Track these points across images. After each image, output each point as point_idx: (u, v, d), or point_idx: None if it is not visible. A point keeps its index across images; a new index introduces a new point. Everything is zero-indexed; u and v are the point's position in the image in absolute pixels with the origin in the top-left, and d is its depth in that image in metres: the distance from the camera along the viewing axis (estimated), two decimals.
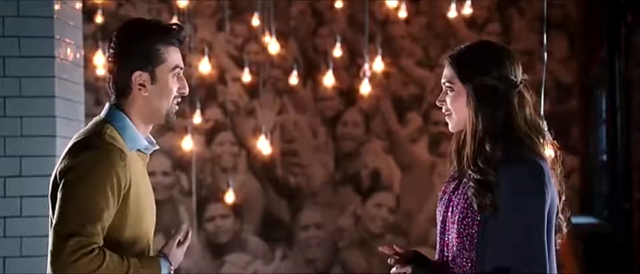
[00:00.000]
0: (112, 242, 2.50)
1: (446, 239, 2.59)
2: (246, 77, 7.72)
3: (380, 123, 8.26)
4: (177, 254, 2.63)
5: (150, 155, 2.70)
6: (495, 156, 2.45)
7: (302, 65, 8.14)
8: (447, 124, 2.63)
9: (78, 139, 2.57)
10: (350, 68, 8.12)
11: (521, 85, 2.54)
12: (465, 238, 2.50)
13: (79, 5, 4.67)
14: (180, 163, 8.07)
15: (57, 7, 4.34)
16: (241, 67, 7.93)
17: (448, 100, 2.57)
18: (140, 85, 2.57)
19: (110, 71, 2.61)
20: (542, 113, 3.28)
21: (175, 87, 2.62)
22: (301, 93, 8.23)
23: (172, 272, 2.62)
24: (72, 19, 4.53)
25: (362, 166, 8.27)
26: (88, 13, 7.48)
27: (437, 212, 2.65)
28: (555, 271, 2.48)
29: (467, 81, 2.52)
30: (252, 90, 8.20)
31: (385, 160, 8.27)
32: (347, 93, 8.18)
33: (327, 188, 8.25)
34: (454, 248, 2.54)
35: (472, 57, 2.56)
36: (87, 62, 7.24)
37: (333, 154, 8.27)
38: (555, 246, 2.52)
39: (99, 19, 7.45)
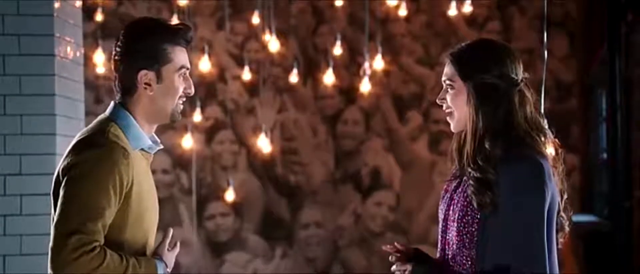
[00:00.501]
0: (113, 241, 2.50)
1: (447, 237, 2.59)
2: (246, 75, 7.71)
3: (381, 121, 8.26)
4: (170, 257, 2.63)
5: (154, 154, 2.70)
6: (494, 154, 2.44)
7: (302, 63, 8.13)
8: (447, 122, 2.63)
9: (82, 137, 2.57)
10: (351, 66, 8.11)
11: (522, 84, 2.53)
12: (465, 236, 2.50)
13: (78, 3, 4.66)
14: (181, 162, 8.07)
15: (57, 5, 4.33)
16: (241, 65, 7.93)
17: (448, 98, 2.57)
18: (146, 84, 2.57)
19: (115, 70, 2.61)
20: (542, 111, 3.28)
21: (181, 86, 2.62)
22: (301, 91, 8.22)
23: (168, 273, 2.62)
24: (72, 17, 4.53)
25: (362, 165, 8.26)
26: (88, 11, 7.48)
27: (439, 210, 2.65)
28: (557, 270, 2.48)
29: (468, 79, 2.51)
30: (252, 89, 8.20)
31: (386, 158, 8.26)
32: (347, 92, 8.17)
33: (327, 186, 8.24)
34: (454, 246, 2.54)
35: (473, 55, 2.55)
36: (87, 60, 7.24)
37: (333, 152, 8.27)
38: (557, 245, 2.51)
39: (99, 17, 7.45)
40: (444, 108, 2.60)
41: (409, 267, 2.58)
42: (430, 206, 8.03)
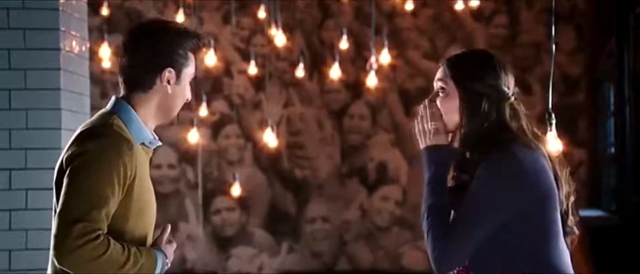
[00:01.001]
0: (114, 232, 2.51)
1: None
2: (252, 69, 7.71)
3: (387, 115, 8.24)
4: (169, 250, 2.65)
5: (154, 149, 2.71)
6: (472, 161, 2.47)
7: (308, 57, 8.12)
8: None
9: (85, 128, 2.58)
10: (357, 60, 8.10)
11: (513, 98, 2.54)
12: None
13: None
14: (186, 156, 8.06)
15: None
16: (247, 59, 7.92)
17: (438, 101, 2.58)
18: (168, 82, 2.62)
19: (135, 64, 2.62)
20: (550, 106, 3.25)
21: (187, 91, 2.69)
22: (307, 86, 8.21)
23: (168, 265, 2.62)
24: (78, 11, 4.51)
25: (368, 159, 8.25)
26: (94, 5, 7.47)
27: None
28: (571, 270, 2.46)
29: (460, 85, 2.53)
30: (258, 83, 8.19)
31: (392, 152, 8.25)
32: (354, 86, 8.16)
33: (334, 181, 8.23)
34: None
35: (468, 63, 2.58)
36: (93, 54, 7.24)
37: (339, 147, 8.26)
38: (568, 248, 2.50)
39: (105, 11, 7.44)
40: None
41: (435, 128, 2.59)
42: None
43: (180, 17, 7.32)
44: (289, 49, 8.01)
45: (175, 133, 7.68)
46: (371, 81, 7.07)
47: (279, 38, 6.99)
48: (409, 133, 8.23)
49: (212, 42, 7.15)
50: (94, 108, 8.11)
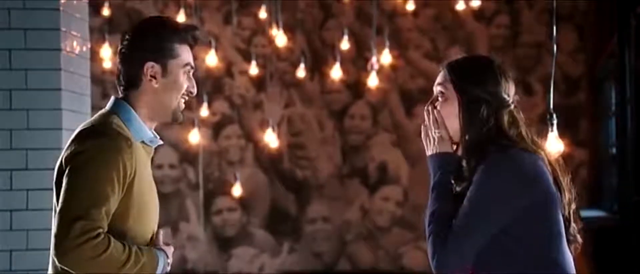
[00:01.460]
0: (115, 232, 2.50)
1: None
2: (253, 70, 7.70)
3: (388, 116, 8.22)
4: (168, 251, 2.64)
5: (155, 149, 2.70)
6: (470, 168, 2.45)
7: (309, 58, 8.10)
8: None
9: (84, 127, 2.58)
10: (358, 61, 8.08)
11: (512, 105, 2.53)
12: None
13: None
14: (187, 156, 8.05)
15: None
16: (248, 60, 7.91)
17: (438, 105, 2.57)
18: (151, 76, 2.59)
19: (121, 63, 2.62)
20: (551, 106, 3.24)
21: (185, 84, 2.64)
22: (308, 86, 8.20)
23: (169, 265, 2.61)
24: (79, 11, 4.50)
25: (369, 160, 8.24)
26: (95, 6, 7.46)
27: None
28: (573, 271, 2.45)
29: (459, 90, 2.52)
30: (259, 83, 8.18)
31: (393, 153, 8.23)
32: (355, 86, 8.15)
33: (334, 181, 8.22)
34: None
35: (469, 68, 2.56)
36: (94, 54, 7.22)
37: (340, 147, 8.24)
38: (571, 252, 2.49)
39: (106, 12, 7.43)
40: None
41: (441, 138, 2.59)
42: None
43: (181, 17, 7.31)
44: (290, 49, 8.00)
45: (177, 133, 7.67)
46: (372, 81, 7.06)
47: (280, 38, 6.98)
48: (409, 134, 8.26)
49: (213, 42, 7.14)
50: (95, 108, 8.07)
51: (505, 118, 2.51)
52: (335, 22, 8.15)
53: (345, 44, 7.39)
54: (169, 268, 2.63)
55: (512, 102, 2.53)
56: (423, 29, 8.20)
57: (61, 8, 4.27)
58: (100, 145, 2.48)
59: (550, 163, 2.49)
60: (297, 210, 8.21)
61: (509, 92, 2.54)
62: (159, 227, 2.69)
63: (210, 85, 8.00)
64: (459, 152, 2.54)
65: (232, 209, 8.15)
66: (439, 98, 2.58)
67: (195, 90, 2.67)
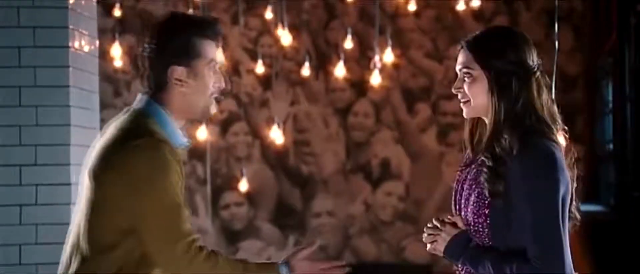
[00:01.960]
0: None
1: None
2: (260, 68, 7.66)
3: (390, 113, 8.14)
4: (302, 265, 2.52)
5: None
6: (512, 144, 2.31)
7: (314, 57, 8.02)
8: (455, 115, 2.51)
9: (126, 133, 2.41)
10: (361, 60, 8.00)
11: (538, 71, 2.39)
12: (478, 223, 2.39)
13: None
14: (196, 153, 7.96)
15: None
16: (255, 59, 7.84)
17: (466, 87, 2.41)
18: (177, 79, 2.44)
19: (146, 65, 2.47)
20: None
21: (212, 81, 2.48)
22: (313, 84, 8.12)
23: None
24: (87, 10, 4.42)
25: (372, 156, 8.16)
26: (106, 7, 7.38)
27: (452, 199, 2.52)
28: (570, 261, 2.35)
29: (487, 66, 2.37)
30: (265, 82, 8.10)
31: (395, 149, 8.15)
32: (358, 85, 8.07)
33: (339, 176, 8.15)
34: (471, 229, 2.43)
35: (490, 42, 2.41)
36: (106, 54, 7.14)
37: (344, 144, 8.17)
38: (569, 230, 2.41)
39: (117, 12, 7.34)
40: (460, 97, 2.45)
41: (445, 231, 2.44)
42: (438, 196, 7.93)
43: None
44: (295, 49, 7.91)
45: (185, 130, 7.58)
46: (375, 80, 6.97)
47: (286, 38, 6.91)
48: (411, 130, 8.17)
49: (221, 42, 7.04)
50: (106, 106, 8.02)
51: (534, 87, 2.36)
52: (339, 23, 8.07)
53: (348, 44, 7.32)
54: None
55: (537, 68, 2.39)
56: (424, 29, 8.11)
57: (69, 6, 4.20)
58: (150, 154, 2.34)
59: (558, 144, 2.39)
60: (303, 204, 8.14)
61: (533, 57, 2.40)
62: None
63: None
64: (486, 131, 2.39)
65: (239, 203, 8.08)
66: (466, 79, 2.41)
67: (222, 84, 2.51)
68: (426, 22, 8.10)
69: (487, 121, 2.40)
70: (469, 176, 2.45)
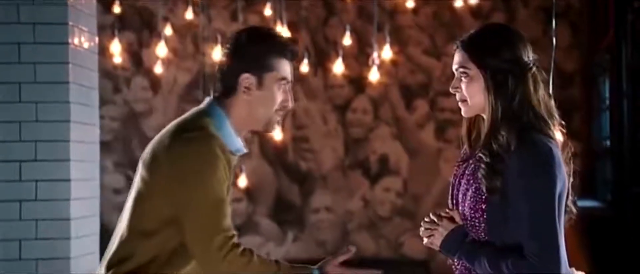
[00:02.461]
0: None
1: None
2: None
3: (389, 110, 8.13)
4: (336, 272, 2.50)
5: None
6: (509, 141, 2.31)
7: (313, 54, 8.00)
8: (453, 111, 2.50)
9: (183, 127, 2.46)
10: (360, 57, 7.98)
11: (534, 67, 2.39)
12: (474, 218, 2.39)
13: None
14: None
15: None
16: None
17: (463, 86, 2.41)
18: (245, 87, 2.49)
19: (219, 70, 2.54)
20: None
21: (279, 98, 2.53)
22: (312, 81, 8.10)
23: None
24: (87, 6, 4.41)
25: (370, 152, 8.15)
26: (106, 4, 7.36)
27: (449, 195, 2.52)
28: (565, 256, 2.35)
29: (483, 65, 2.36)
30: None
31: (393, 145, 8.14)
32: (357, 81, 8.05)
33: (337, 172, 8.14)
34: (468, 224, 2.43)
35: (485, 41, 2.41)
36: (105, 50, 7.13)
37: (343, 140, 8.15)
38: (565, 224, 2.40)
39: (116, 9, 7.32)
40: (458, 97, 2.45)
41: (442, 226, 2.44)
42: (436, 192, 7.92)
43: (189, 15, 7.21)
44: None
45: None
46: (373, 76, 6.94)
47: (285, 35, 6.86)
48: (409, 127, 8.16)
49: (220, 38, 7.03)
50: (105, 102, 7.99)
51: (530, 82, 2.36)
52: (338, 20, 8.05)
53: (347, 41, 7.30)
54: None
55: (533, 64, 2.39)
56: (422, 26, 8.10)
57: (69, 3, 4.20)
58: (201, 149, 2.38)
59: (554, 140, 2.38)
60: (301, 200, 8.13)
61: (528, 54, 2.40)
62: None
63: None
64: (484, 128, 2.40)
65: (238, 199, 8.06)
66: (463, 79, 2.41)
67: (290, 104, 2.56)
68: (424, 19, 8.09)
69: (485, 118, 2.40)
70: (466, 172, 2.44)
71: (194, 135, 2.41)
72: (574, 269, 2.43)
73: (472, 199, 2.37)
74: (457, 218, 2.43)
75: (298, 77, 8.01)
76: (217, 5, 8.01)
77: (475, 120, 2.48)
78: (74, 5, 4.24)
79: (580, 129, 7.86)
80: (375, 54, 7.01)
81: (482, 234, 2.37)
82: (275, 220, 8.11)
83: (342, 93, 8.14)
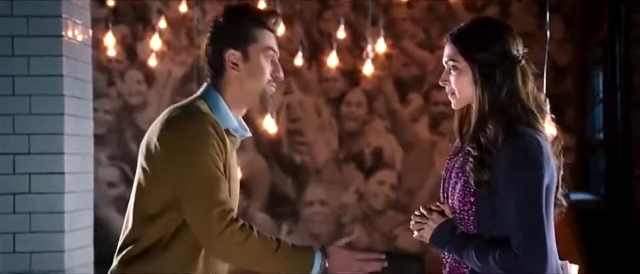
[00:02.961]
0: None
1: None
2: None
3: (383, 103, 8.13)
4: (339, 254, 2.49)
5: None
6: (497, 133, 2.31)
7: (307, 47, 7.99)
8: (447, 104, 2.51)
9: (174, 111, 2.49)
10: (354, 50, 7.97)
11: (523, 60, 2.39)
12: (464, 211, 2.40)
13: None
14: None
15: None
16: None
17: (452, 79, 2.43)
18: (233, 63, 2.51)
19: (206, 53, 2.57)
20: (544, 91, 3.12)
21: (268, 68, 2.56)
22: (306, 74, 8.09)
23: (323, 267, 2.47)
24: None
25: (365, 145, 8.14)
26: None
27: (441, 187, 2.53)
28: (555, 248, 2.35)
29: (471, 58, 2.37)
30: None
31: (387, 138, 8.13)
32: (351, 74, 8.04)
33: (331, 165, 8.13)
34: (457, 217, 2.43)
35: (474, 34, 2.42)
36: (99, 43, 7.10)
37: (337, 133, 8.15)
38: (554, 221, 2.40)
39: (110, 2, 7.30)
40: (447, 89, 2.46)
41: (432, 219, 2.44)
42: (430, 185, 7.92)
43: (183, 8, 7.19)
44: (288, 39, 7.87)
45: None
46: (367, 69, 6.94)
47: (279, 28, 6.85)
48: (403, 120, 8.15)
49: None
50: (99, 95, 7.96)
51: (519, 76, 2.36)
52: (332, 13, 8.04)
53: (341, 34, 7.28)
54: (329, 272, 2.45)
55: (522, 56, 2.39)
56: (417, 19, 8.09)
57: None
58: (191, 129, 2.39)
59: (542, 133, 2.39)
60: (296, 193, 8.12)
61: (518, 47, 2.41)
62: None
63: None
64: (471, 121, 2.40)
65: None
66: (452, 72, 2.42)
67: (281, 75, 2.59)
68: (418, 13, 8.08)
69: (473, 113, 2.41)
70: (456, 165, 2.45)
71: (184, 115, 2.44)
72: (567, 261, 2.43)
73: (461, 192, 2.38)
74: (448, 212, 2.43)
75: (292, 70, 8.01)
76: None
77: (467, 114, 2.48)
78: None
79: (574, 122, 7.87)
80: (369, 47, 7.01)
81: (471, 227, 2.38)
82: (269, 213, 8.11)
83: (336, 86, 8.13)
